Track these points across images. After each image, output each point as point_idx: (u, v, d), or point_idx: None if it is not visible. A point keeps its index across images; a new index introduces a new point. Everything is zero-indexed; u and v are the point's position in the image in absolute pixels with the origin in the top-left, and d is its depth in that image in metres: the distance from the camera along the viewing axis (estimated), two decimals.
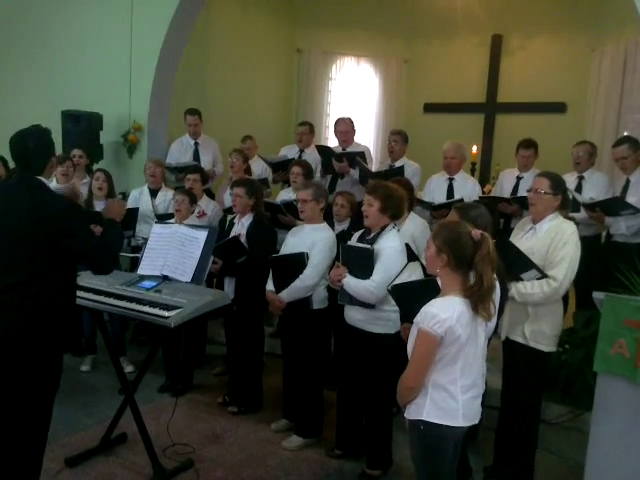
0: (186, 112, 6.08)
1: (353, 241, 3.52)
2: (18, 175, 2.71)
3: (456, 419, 2.35)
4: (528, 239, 3.27)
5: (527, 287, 3.15)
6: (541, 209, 3.23)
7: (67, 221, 2.60)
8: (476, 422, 2.45)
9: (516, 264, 3.13)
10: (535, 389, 3.32)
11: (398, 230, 3.46)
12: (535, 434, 3.35)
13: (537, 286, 3.13)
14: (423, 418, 2.35)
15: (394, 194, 3.35)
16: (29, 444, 2.70)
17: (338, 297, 3.51)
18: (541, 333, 3.22)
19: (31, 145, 2.66)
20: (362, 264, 3.30)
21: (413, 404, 2.39)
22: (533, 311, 3.22)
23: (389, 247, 3.28)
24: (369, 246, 3.31)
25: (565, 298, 4.54)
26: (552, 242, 3.14)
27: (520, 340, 3.26)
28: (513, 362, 3.35)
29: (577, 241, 3.17)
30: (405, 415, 2.45)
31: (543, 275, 3.12)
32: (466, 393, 2.37)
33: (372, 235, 3.38)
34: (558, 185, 3.23)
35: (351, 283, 3.33)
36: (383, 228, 3.35)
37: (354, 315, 3.44)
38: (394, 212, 3.36)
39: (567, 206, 3.36)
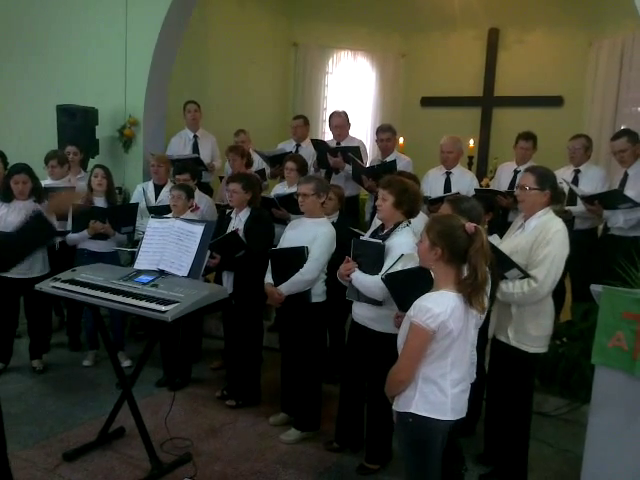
0: (186, 102, 6.11)
1: (366, 237, 3.48)
2: None
3: (445, 413, 2.35)
4: (517, 236, 3.21)
5: (509, 286, 3.08)
6: (529, 205, 3.16)
7: None
8: (463, 415, 2.44)
9: (500, 262, 3.03)
10: (521, 388, 3.25)
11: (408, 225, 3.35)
12: (526, 428, 3.30)
13: (518, 286, 3.06)
14: (412, 411, 2.35)
15: (409, 189, 3.27)
16: None
17: (346, 293, 3.45)
18: (525, 335, 3.14)
19: None
20: (372, 260, 3.25)
21: (402, 397, 2.39)
22: (517, 312, 3.15)
23: (401, 244, 3.20)
24: (380, 241, 3.26)
25: (562, 291, 4.55)
26: (535, 240, 3.05)
27: (504, 340, 3.21)
28: (499, 361, 3.32)
29: (563, 240, 3.07)
30: (393, 407, 2.45)
31: (525, 275, 3.05)
32: (455, 387, 2.37)
33: (385, 231, 3.32)
34: (544, 180, 3.13)
35: (359, 278, 3.27)
36: (397, 225, 3.28)
37: (363, 313, 3.38)
38: (408, 208, 3.27)
39: (560, 201, 3.28)
